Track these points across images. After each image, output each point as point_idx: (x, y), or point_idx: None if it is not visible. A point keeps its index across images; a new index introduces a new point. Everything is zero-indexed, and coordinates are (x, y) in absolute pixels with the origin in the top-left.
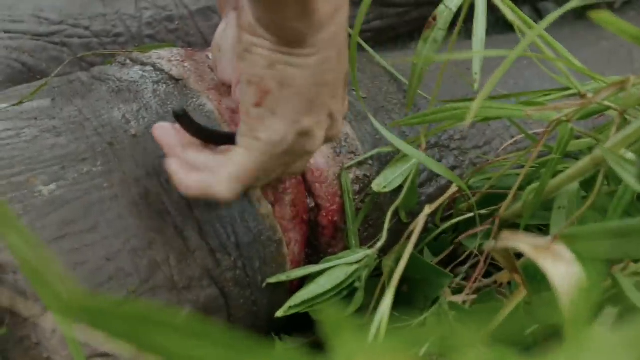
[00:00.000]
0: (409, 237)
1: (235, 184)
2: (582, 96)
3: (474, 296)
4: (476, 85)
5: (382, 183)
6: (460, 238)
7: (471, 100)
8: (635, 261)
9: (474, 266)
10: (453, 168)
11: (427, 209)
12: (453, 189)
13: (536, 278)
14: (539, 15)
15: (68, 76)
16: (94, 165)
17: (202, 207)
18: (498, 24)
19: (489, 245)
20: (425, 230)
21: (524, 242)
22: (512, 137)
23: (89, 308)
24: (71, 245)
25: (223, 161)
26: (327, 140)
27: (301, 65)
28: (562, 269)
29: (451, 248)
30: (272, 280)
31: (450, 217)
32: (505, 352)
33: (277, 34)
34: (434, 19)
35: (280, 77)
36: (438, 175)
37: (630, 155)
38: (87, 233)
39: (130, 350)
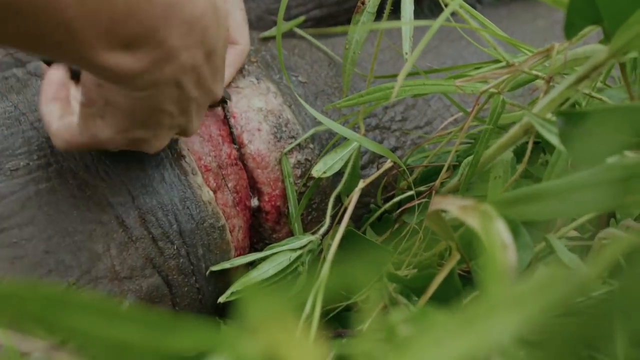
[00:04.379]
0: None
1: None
2: (510, 66)
3: (416, 270)
4: (408, 65)
5: (322, 168)
6: (397, 212)
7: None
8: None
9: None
10: (395, 149)
11: (361, 184)
12: (388, 164)
13: (472, 245)
14: (479, 1)
15: (3, 73)
16: (31, 160)
17: (143, 195)
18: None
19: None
20: (369, 212)
21: (451, 203)
22: (452, 115)
23: None
24: (9, 240)
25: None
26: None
27: (128, 95)
28: (489, 225)
29: (396, 227)
30: (216, 268)
31: (393, 197)
32: (431, 310)
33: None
34: (363, 2)
35: (105, 98)
36: (380, 157)
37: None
38: (25, 227)
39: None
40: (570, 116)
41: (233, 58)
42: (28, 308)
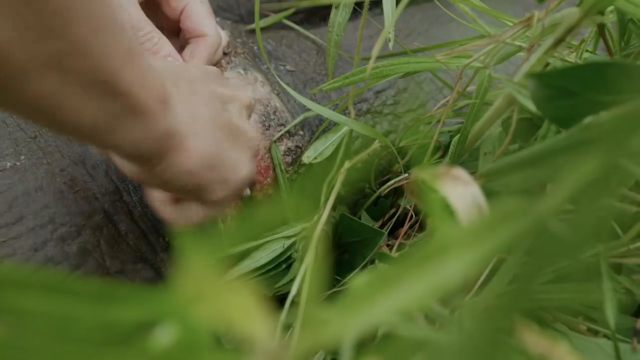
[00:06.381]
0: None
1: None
2: (491, 37)
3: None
4: (390, 44)
5: (312, 154)
6: (382, 194)
7: (391, 55)
8: None
9: (414, 224)
10: (388, 133)
11: (347, 164)
12: (374, 144)
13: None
14: None
15: None
16: (18, 160)
17: (131, 190)
18: None
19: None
20: (364, 196)
21: (427, 173)
22: (445, 97)
23: None
24: None
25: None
26: None
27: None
28: (459, 189)
29: (392, 211)
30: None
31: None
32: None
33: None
34: None
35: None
36: (374, 141)
37: None
38: (13, 226)
39: None
40: (542, 77)
41: (201, 50)
42: None
